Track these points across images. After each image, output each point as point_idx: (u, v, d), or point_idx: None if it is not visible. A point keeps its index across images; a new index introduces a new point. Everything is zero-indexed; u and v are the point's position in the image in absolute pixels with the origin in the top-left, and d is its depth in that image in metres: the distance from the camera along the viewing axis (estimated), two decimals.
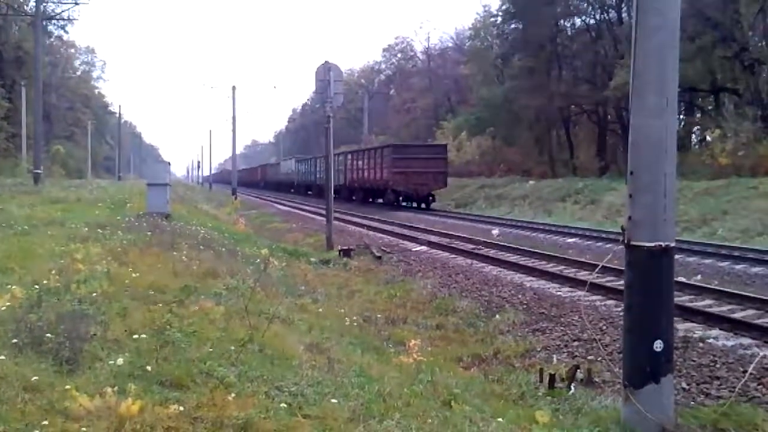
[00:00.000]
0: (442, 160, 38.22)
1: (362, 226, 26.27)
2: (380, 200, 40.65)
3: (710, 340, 8.42)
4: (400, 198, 38.71)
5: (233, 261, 11.25)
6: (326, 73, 19.16)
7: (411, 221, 27.83)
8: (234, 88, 51.19)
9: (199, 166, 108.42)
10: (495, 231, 22.96)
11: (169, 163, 19.89)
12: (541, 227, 24.90)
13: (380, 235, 22.85)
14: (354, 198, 43.98)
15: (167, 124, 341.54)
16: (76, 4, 58.66)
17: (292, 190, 63.52)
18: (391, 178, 37.38)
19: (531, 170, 45.33)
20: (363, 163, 42.56)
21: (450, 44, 76.45)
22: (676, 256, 7.90)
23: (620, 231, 5.74)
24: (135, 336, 5.27)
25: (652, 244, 5.80)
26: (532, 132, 50.89)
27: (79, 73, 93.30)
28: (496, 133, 53.29)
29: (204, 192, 63.21)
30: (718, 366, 7.44)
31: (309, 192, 57.13)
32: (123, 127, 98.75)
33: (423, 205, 38.30)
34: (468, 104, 64.51)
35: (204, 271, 9.26)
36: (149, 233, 11.89)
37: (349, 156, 45.09)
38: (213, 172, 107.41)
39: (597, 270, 7.58)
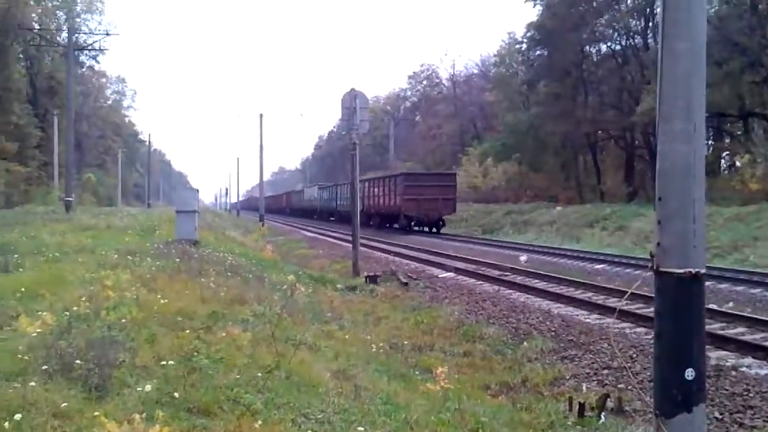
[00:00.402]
0: (451, 187, 40.09)
1: (387, 252, 26.28)
2: (395, 225, 42.36)
3: (743, 369, 8.26)
4: (413, 223, 40.24)
5: (260, 287, 11.29)
6: (352, 100, 19.34)
7: (437, 247, 27.78)
8: (261, 116, 51.75)
9: (226, 193, 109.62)
10: (522, 257, 22.82)
11: (197, 191, 20.11)
12: (569, 253, 24.71)
13: (406, 261, 22.82)
14: (371, 223, 45.12)
15: (196, 151, 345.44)
16: (108, 35, 59.99)
17: (315, 216, 64.37)
18: (403, 205, 39.22)
19: (557, 196, 45.14)
20: (378, 190, 44.48)
21: (475, 71, 76.90)
22: (707, 283, 7.78)
23: (649, 257, 5.68)
24: (163, 362, 5.30)
25: (682, 271, 5.70)
26: (559, 158, 50.76)
27: (110, 102, 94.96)
28: (522, 159, 53.20)
29: (232, 219, 63.69)
30: (751, 395, 7.29)
31: (331, 218, 58.32)
32: (152, 155, 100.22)
33: (434, 230, 39.88)
34: (494, 130, 64.62)
35: (231, 297, 9.31)
36: (177, 260, 12.01)
37: (366, 183, 46.35)
38: (240, 199, 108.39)
39: (626, 297, 7.50)
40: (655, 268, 5.62)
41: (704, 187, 5.65)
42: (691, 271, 5.49)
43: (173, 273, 10.54)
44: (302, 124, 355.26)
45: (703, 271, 5.59)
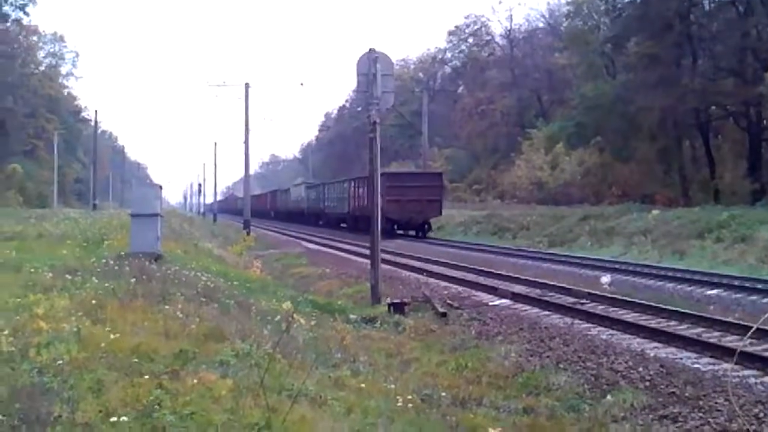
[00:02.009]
0: (437, 188, 48.94)
1: (418, 270, 26.32)
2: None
3: None
4: (395, 226, 47.52)
5: (245, 318, 11.35)
6: (371, 65, 19.37)
7: (488, 264, 27.74)
8: (247, 86, 51.98)
9: (199, 191, 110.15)
10: (605, 279, 22.72)
11: (160, 187, 20.23)
12: (670, 274, 24.50)
13: (445, 283, 22.83)
14: (359, 227, 49.53)
15: (159, 137, 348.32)
16: None
17: (316, 221, 68.46)
18: (385, 207, 40.42)
19: (654, 195, 45.03)
20: (363, 190, 49.60)
21: (540, 24, 76.98)
22: None
23: None
24: (113, 419, 5.33)
25: None
26: (656, 143, 50.53)
27: (42, 68, 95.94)
28: (604, 145, 53.17)
29: (206, 225, 64.16)
30: None
31: (320, 222, 65.88)
32: (100, 140, 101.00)
33: (420, 234, 46.91)
34: (566, 105, 64.73)
35: (206, 331, 9.36)
36: (133, 280, 12.08)
37: (352, 183, 54.84)
38: (218, 198, 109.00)
39: (750, 333, 7.43)
40: None
41: None
42: None
43: (127, 298, 10.62)
44: (303, 98, 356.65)
45: None
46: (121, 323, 8.78)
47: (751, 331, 7.19)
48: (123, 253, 17.03)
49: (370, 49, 19.57)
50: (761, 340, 12.24)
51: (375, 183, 20.86)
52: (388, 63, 20.16)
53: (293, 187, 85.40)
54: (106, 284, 11.47)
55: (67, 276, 12.03)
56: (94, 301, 9.92)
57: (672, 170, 49.36)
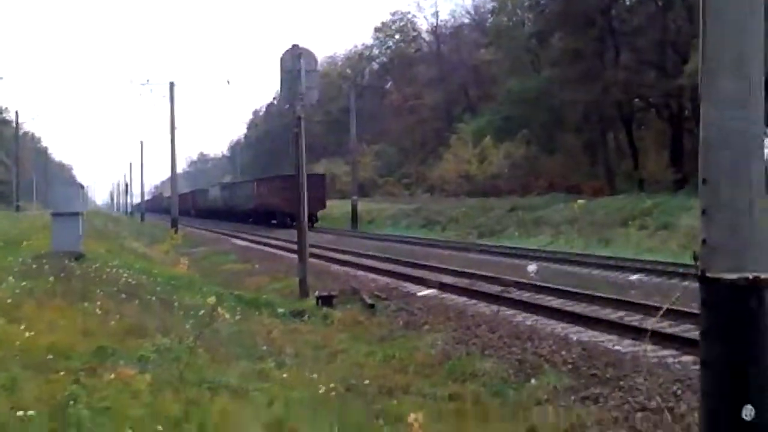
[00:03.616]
0: (321, 188, 55.39)
1: (348, 264, 26.43)
2: (273, 221, 60.56)
3: None
4: (290, 219, 50.43)
5: (167, 314, 11.22)
6: (295, 60, 19.30)
7: (418, 256, 27.92)
8: (172, 84, 51.47)
9: (127, 191, 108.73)
10: (531, 267, 22.92)
11: (81, 186, 20.05)
12: (595, 261, 24.92)
13: (373, 275, 22.91)
14: (257, 221, 63.63)
15: (84, 137, 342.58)
16: None
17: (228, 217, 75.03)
18: (281, 203, 56.14)
19: (581, 186, 45.51)
20: (264, 189, 63.38)
21: (466, 20, 77.33)
22: None
23: (692, 260, 5.71)
24: (21, 413, 5.20)
25: (736, 276, 5.72)
26: (581, 135, 51.28)
27: None
28: (531, 138, 53.66)
29: (134, 224, 63.37)
30: None
31: (232, 218, 72.43)
32: (23, 142, 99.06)
33: (311, 224, 54.00)
34: (493, 100, 65.15)
35: (125, 328, 9.25)
36: (51, 279, 11.87)
37: (256, 183, 67.25)
38: (146, 198, 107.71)
39: (661, 313, 7.57)
40: (699, 273, 5.67)
41: (764, 164, 5.72)
42: (747, 276, 5.53)
43: (45, 297, 10.43)
44: (232, 96, 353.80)
45: (765, 276, 5.64)
46: (37, 322, 8.59)
47: (662, 311, 7.32)
48: (44, 252, 16.72)
49: (293, 45, 19.48)
50: (679, 321, 12.48)
51: (301, 179, 20.78)
52: (312, 59, 20.08)
53: (210, 188, 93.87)
54: (23, 283, 11.24)
55: None
56: (9, 301, 9.72)
57: (597, 161, 50.13)
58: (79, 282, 12.13)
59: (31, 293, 10.67)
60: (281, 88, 20.53)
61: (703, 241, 5.62)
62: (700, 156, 5.82)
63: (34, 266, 13.60)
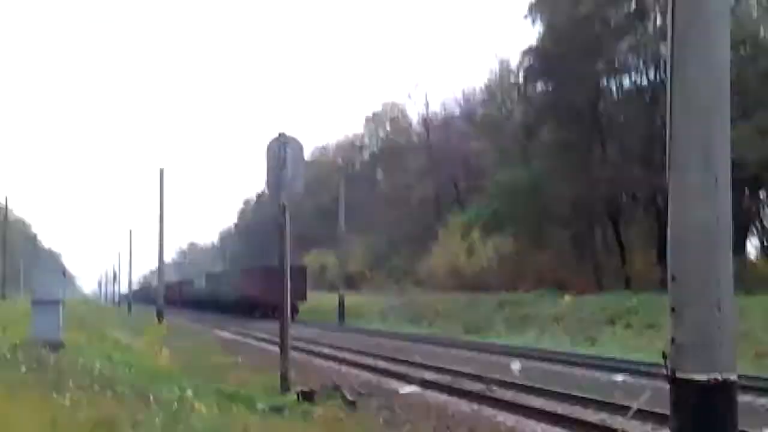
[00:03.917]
0: (302, 280, 55.39)
1: (333, 358, 26.28)
2: (255, 313, 60.04)
3: None
4: (273, 311, 49.98)
5: (141, 408, 11.05)
6: (281, 149, 19.44)
7: (403, 352, 27.73)
8: (162, 171, 51.61)
9: (114, 280, 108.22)
10: (515, 365, 22.80)
11: (63, 272, 19.94)
12: (580, 360, 24.76)
13: (357, 371, 22.76)
14: (241, 311, 63.23)
15: (74, 225, 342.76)
16: None
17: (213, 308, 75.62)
18: (264, 294, 55.05)
19: (568, 281, 45.48)
20: (246, 281, 65.07)
21: (456, 111, 78.07)
22: (742, 397, 7.81)
23: (663, 359, 5.67)
24: None
25: (705, 377, 5.69)
26: (569, 230, 51.43)
27: None
28: (519, 232, 53.78)
29: (120, 314, 62.97)
30: None
31: (216, 308, 73.22)
32: (12, 227, 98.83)
33: (292, 316, 52.84)
34: (482, 192, 65.46)
35: (95, 420, 9.10)
36: (24, 369, 11.74)
37: (239, 275, 70.41)
38: (134, 288, 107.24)
39: (630, 414, 7.52)
40: (669, 374, 5.63)
41: (731, 260, 5.73)
42: (717, 378, 5.51)
43: (16, 388, 10.29)
44: (222, 185, 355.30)
45: (734, 377, 5.60)
46: (3, 414, 8.48)
47: (631, 411, 7.27)
48: (20, 341, 16.57)
49: (279, 134, 19.62)
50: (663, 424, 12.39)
51: (285, 269, 20.72)
52: (298, 147, 20.20)
53: (196, 278, 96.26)
54: None
55: None
56: None
57: (585, 257, 50.14)
58: (53, 372, 11.98)
59: (3, 384, 10.54)
60: (267, 176, 20.59)
61: (672, 340, 5.60)
62: (668, 253, 5.83)
63: (8, 355, 13.45)
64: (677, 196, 5.82)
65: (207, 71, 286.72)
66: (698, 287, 5.67)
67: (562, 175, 46.51)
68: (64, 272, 19.79)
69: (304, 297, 58.13)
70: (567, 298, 39.71)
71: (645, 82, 47.74)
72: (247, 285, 64.39)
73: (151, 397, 12.51)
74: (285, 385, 19.01)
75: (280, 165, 19.47)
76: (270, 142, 19.60)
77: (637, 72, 48.14)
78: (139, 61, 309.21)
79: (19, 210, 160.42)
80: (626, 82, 49.24)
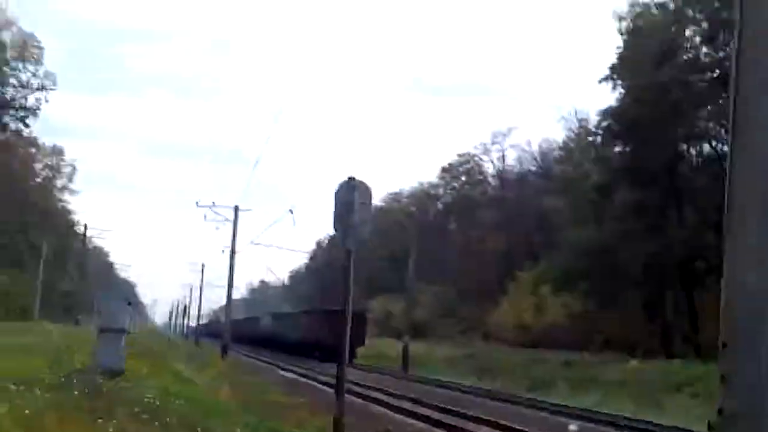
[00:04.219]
0: (362, 325, 57.01)
1: (388, 405, 26.48)
2: (316, 354, 57.98)
3: None
4: (332, 354, 50.54)
5: None
6: (350, 192, 19.50)
7: (462, 404, 27.49)
8: (237, 208, 52.28)
9: (185, 313, 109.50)
10: (573, 427, 22.37)
11: (129, 302, 20.15)
12: (642, 426, 24.26)
13: (411, 420, 22.66)
14: (302, 352, 62.12)
15: (150, 255, 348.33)
16: (43, 89, 61.50)
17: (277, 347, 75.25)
18: (325, 336, 53.21)
19: (636, 344, 44.68)
20: (308, 322, 65.12)
21: (532, 167, 77.92)
22: None
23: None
24: None
25: None
26: (640, 292, 50.60)
27: (39, 179, 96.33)
28: (590, 291, 53.10)
29: (187, 347, 63.56)
30: None
31: (280, 348, 72.71)
32: (91, 256, 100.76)
33: (350, 359, 52.90)
34: (554, 249, 64.91)
35: None
36: (76, 393, 11.88)
37: (303, 315, 70.63)
38: (204, 322, 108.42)
39: None
40: None
41: None
42: None
43: (68, 412, 10.41)
44: (296, 225, 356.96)
45: None
46: None
47: None
48: (83, 366, 16.81)
49: (349, 177, 19.69)
50: None
51: (347, 313, 20.69)
52: (368, 192, 20.19)
53: (262, 317, 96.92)
54: (49, 396, 11.27)
55: (12, 385, 11.82)
56: (28, 413, 9.73)
57: (655, 321, 49.27)
58: (104, 400, 12.10)
59: (57, 407, 10.67)
60: (334, 220, 20.67)
61: (719, 411, 5.39)
62: (721, 318, 5.65)
63: (65, 381, 13.64)
64: (732, 261, 5.64)
65: (284, 109, 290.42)
66: (750, 354, 5.47)
67: (635, 236, 45.88)
68: (129, 301, 20.03)
69: (362, 342, 58.20)
70: (633, 362, 38.96)
71: (725, 148, 46.98)
72: (308, 327, 65.21)
73: (199, 430, 12.56)
74: (338, 429, 18.90)
75: (347, 209, 19.52)
76: (338, 186, 19.67)
77: (717, 139, 47.47)
78: (208, 98, 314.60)
79: (98, 239, 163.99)
80: (706, 148, 48.68)
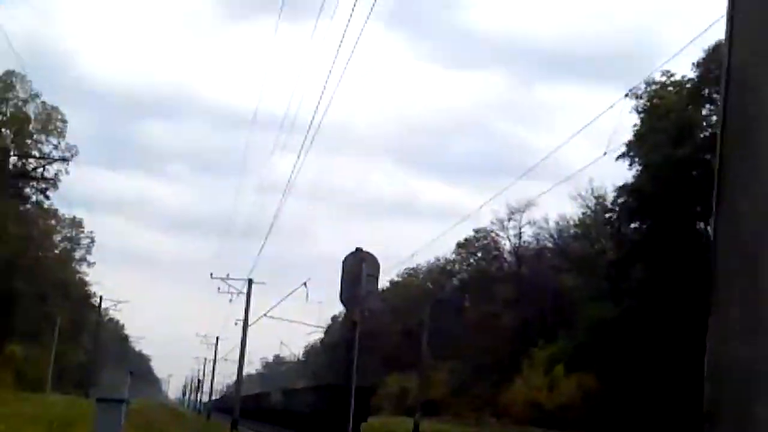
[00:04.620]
0: (365, 400, 51.50)
1: None
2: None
3: None
4: (338, 429, 52.28)
5: None
6: (357, 264, 19.40)
7: None
8: (250, 281, 52.11)
9: (198, 387, 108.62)
10: None
11: (130, 373, 20.02)
12: None
13: None
14: (309, 427, 59.90)
15: (165, 328, 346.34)
16: (63, 160, 61.91)
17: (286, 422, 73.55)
18: (330, 412, 50.49)
19: (653, 423, 43.93)
20: (314, 398, 61.44)
21: (549, 244, 77.59)
22: None
23: None
24: None
25: None
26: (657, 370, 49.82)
27: (58, 251, 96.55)
28: (605, 370, 52.41)
29: (197, 421, 62.92)
30: None
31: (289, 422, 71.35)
32: (107, 328, 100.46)
33: None
34: (570, 327, 64.36)
35: None
36: None
37: (309, 391, 67.95)
38: (217, 396, 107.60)
39: None
40: None
41: None
42: None
43: None
44: (310, 298, 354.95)
45: None
46: None
47: None
48: None
49: (356, 249, 19.65)
50: None
51: (352, 385, 20.48)
52: (375, 263, 20.15)
53: (272, 392, 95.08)
54: None
55: None
56: None
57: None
58: None
59: None
60: (341, 291, 20.54)
61: None
62: (705, 390, 5.46)
63: None
64: (717, 337, 5.49)
65: (305, 183, 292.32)
66: (734, 425, 5.29)
67: (652, 314, 45.36)
68: (130, 373, 19.86)
69: (365, 418, 57.30)
70: None
71: None
72: (316, 402, 64.12)
73: None
74: None
75: (354, 280, 19.39)
76: (346, 256, 19.58)
77: None
78: (223, 173, 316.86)
79: (114, 311, 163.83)
80: None
